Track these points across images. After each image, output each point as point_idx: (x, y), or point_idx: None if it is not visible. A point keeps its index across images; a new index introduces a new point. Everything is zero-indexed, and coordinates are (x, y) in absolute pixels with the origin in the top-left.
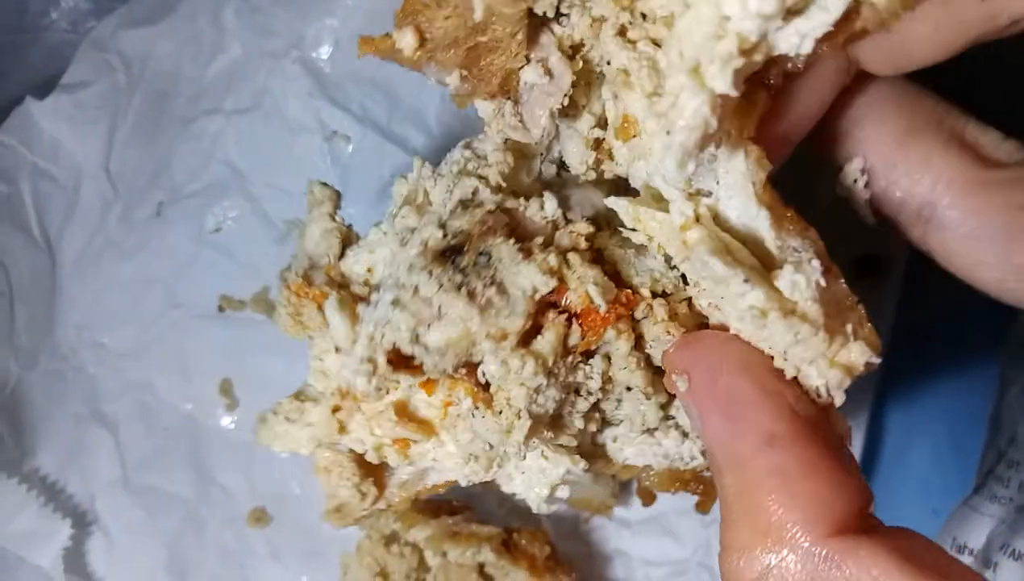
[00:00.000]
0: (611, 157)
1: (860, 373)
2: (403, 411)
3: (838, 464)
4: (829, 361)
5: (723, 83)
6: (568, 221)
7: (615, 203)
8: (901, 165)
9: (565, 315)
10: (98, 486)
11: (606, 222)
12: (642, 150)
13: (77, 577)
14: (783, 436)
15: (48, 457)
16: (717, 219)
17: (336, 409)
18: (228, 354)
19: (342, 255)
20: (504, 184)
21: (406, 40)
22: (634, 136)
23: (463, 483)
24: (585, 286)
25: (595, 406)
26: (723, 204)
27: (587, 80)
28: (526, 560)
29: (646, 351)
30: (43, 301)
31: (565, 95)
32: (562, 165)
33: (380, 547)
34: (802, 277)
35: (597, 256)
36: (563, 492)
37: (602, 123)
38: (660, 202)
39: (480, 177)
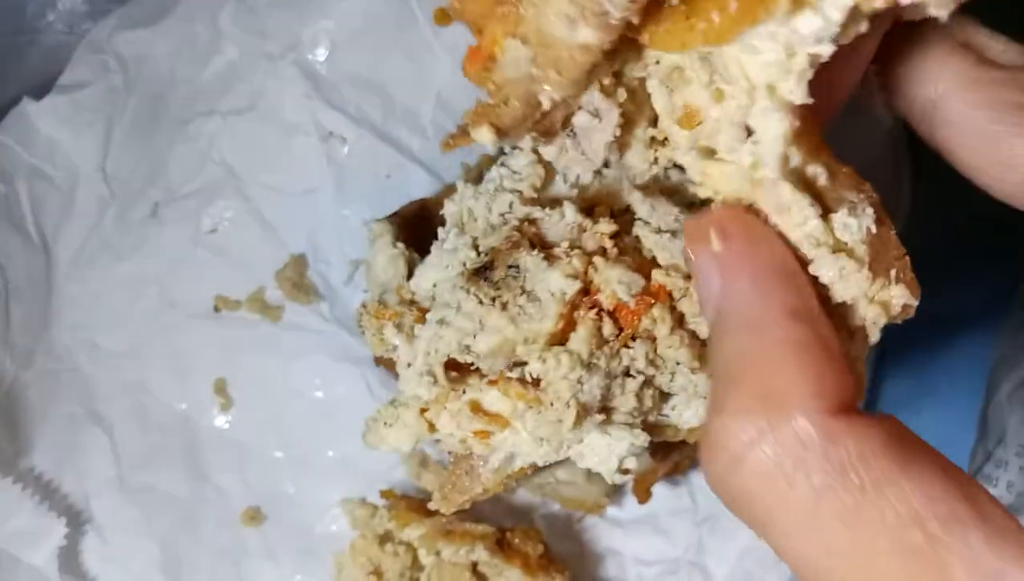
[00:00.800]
0: (665, 145)
1: (896, 314)
2: (477, 408)
3: (846, 354)
4: (869, 298)
5: (801, 95)
6: (595, 221)
7: (684, 158)
8: (908, 66)
9: (596, 310)
10: (93, 485)
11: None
12: (708, 133)
13: (72, 576)
14: (808, 312)
15: (43, 456)
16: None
17: (423, 411)
18: (223, 354)
19: (409, 275)
20: (536, 195)
21: (484, 137)
22: (699, 123)
23: (540, 463)
24: (611, 286)
25: (648, 382)
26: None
27: (631, 91)
28: (519, 558)
29: (689, 328)
30: (39, 301)
31: (616, 127)
32: (604, 165)
33: (374, 546)
34: (855, 220)
35: (634, 242)
36: (631, 463)
37: (653, 122)
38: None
39: (514, 191)
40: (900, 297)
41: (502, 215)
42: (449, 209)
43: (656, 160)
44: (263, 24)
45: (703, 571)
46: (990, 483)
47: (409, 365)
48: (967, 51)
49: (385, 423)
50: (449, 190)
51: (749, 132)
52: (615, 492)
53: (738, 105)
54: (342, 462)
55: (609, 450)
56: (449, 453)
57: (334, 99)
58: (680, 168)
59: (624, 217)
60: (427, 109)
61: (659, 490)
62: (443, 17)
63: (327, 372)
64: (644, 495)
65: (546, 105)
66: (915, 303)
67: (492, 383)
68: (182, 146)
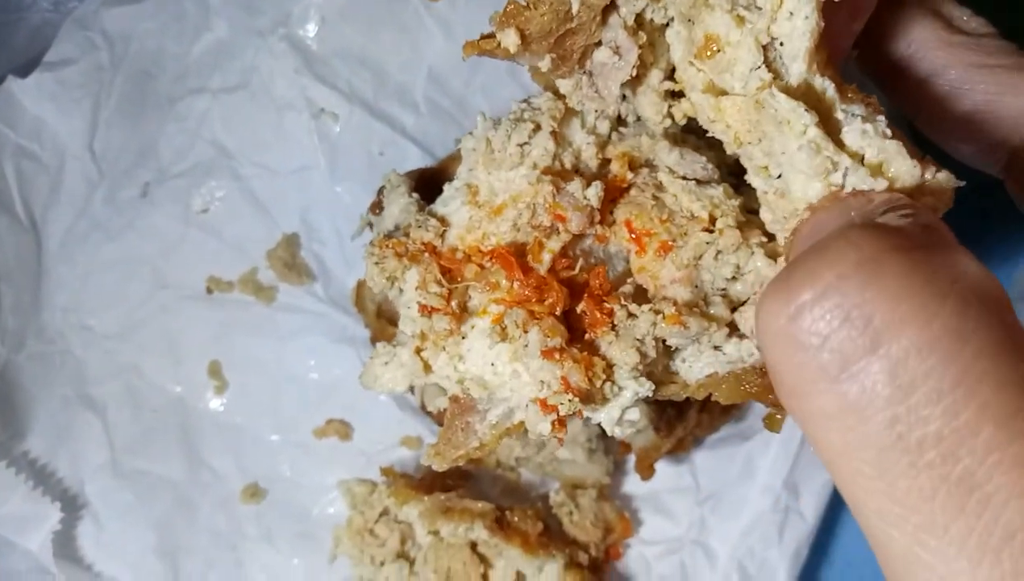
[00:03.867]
0: (679, 100)
1: (947, 197)
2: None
3: None
4: (920, 186)
5: None
6: (603, 219)
7: (700, 98)
8: (884, 27)
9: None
10: (87, 470)
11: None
12: (726, 63)
13: (67, 561)
14: None
15: (37, 441)
16: (788, 89)
17: (418, 350)
18: (217, 336)
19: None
20: (556, 127)
21: (510, 39)
22: (718, 51)
23: None
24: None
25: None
26: (793, 80)
27: (651, 40)
28: (519, 537)
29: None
30: (29, 283)
31: (633, 67)
32: (619, 121)
33: (372, 523)
34: (871, 125)
35: (654, 191)
36: (633, 414)
37: (669, 75)
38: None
39: (534, 123)
40: (947, 180)
41: (520, 146)
42: (466, 144)
43: (671, 115)
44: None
45: (706, 550)
46: None
47: (408, 307)
48: (937, 16)
49: (383, 362)
50: (451, 160)
51: (766, 53)
52: (616, 471)
53: (756, 26)
54: (339, 444)
55: (613, 399)
56: (443, 410)
57: (325, 75)
58: (694, 132)
59: (642, 171)
60: (419, 84)
61: (661, 468)
62: None
63: (322, 353)
64: (648, 471)
65: (575, 9)
66: (962, 182)
67: (495, 321)
68: (172, 125)
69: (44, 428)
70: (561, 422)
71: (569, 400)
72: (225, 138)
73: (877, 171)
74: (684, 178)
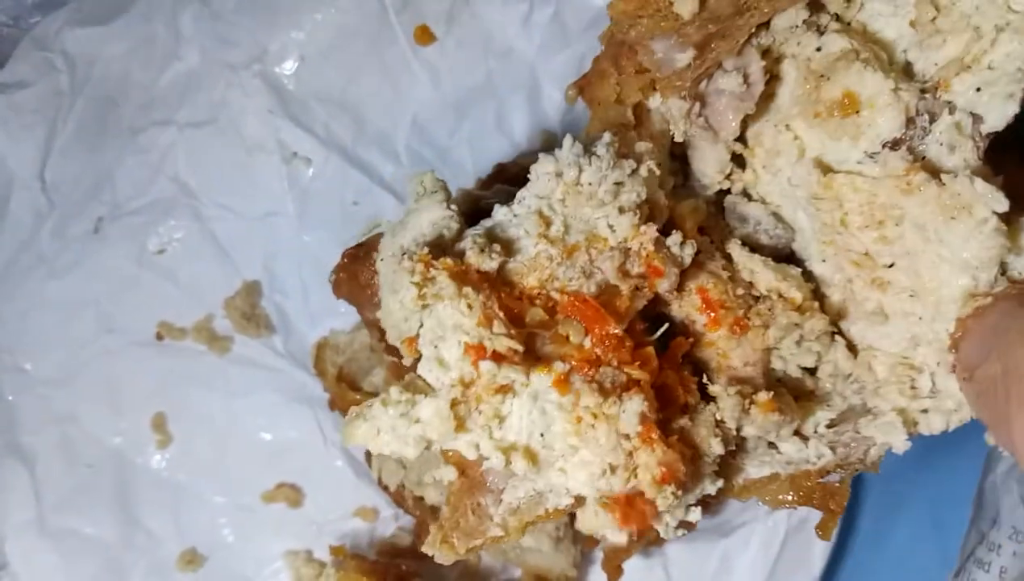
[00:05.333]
0: (743, 169)
1: None
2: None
3: None
4: None
5: None
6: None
7: (798, 171)
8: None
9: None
10: (9, 527)
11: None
12: (854, 129)
13: None
14: None
15: None
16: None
17: (455, 403)
18: (164, 386)
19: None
20: (657, 170)
21: (687, 6)
22: (853, 112)
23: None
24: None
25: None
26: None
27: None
28: None
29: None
30: None
31: (756, 103)
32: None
33: None
34: None
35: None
36: (695, 514)
37: (739, 136)
38: None
39: (636, 161)
40: None
41: (616, 184)
42: (543, 168)
43: (729, 178)
44: (228, 31)
45: None
46: (982, 567)
47: (436, 346)
48: None
49: (400, 414)
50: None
51: (907, 127)
52: (583, 561)
53: (910, 97)
54: (287, 511)
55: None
56: (400, 486)
57: (301, 117)
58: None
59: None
60: (402, 132)
61: (631, 561)
62: (425, 35)
63: (277, 412)
64: (615, 572)
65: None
66: None
67: (558, 383)
68: (132, 157)
69: None
70: (641, 533)
71: (672, 492)
72: (188, 175)
73: None
74: (753, 250)
